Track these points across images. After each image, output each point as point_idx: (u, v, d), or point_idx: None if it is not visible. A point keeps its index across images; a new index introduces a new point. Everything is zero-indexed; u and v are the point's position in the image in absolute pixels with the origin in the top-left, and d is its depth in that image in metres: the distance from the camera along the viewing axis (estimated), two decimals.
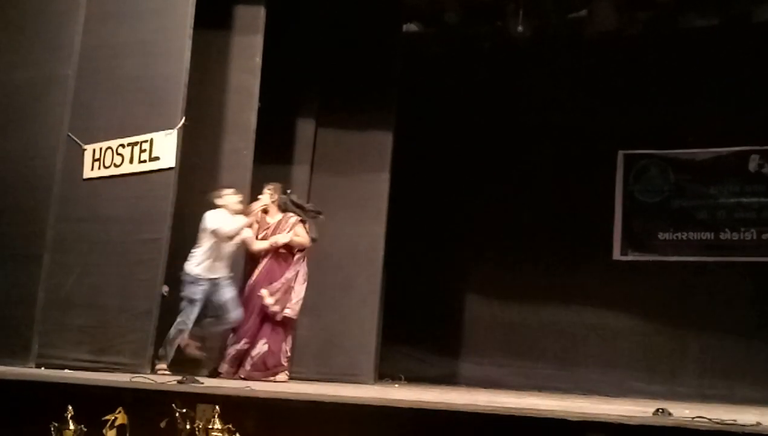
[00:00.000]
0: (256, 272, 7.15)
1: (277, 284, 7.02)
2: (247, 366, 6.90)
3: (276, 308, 6.98)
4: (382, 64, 8.60)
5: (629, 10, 8.93)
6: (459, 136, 9.79)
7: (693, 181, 9.35)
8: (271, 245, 7.06)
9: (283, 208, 7.25)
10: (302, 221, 7.21)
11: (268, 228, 7.20)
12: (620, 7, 8.82)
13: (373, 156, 8.52)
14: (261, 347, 6.94)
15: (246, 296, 7.08)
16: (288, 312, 7.04)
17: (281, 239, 7.08)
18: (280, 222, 7.21)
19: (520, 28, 8.90)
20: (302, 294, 7.12)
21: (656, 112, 9.24)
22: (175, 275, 6.70)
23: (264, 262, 7.14)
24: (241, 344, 6.95)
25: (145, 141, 6.68)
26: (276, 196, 7.24)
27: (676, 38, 9.18)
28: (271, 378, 6.84)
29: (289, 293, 7.06)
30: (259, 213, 7.24)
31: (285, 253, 7.15)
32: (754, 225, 9.06)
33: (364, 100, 8.52)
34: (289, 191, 7.42)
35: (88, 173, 6.97)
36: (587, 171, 9.45)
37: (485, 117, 9.81)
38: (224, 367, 6.94)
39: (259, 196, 7.24)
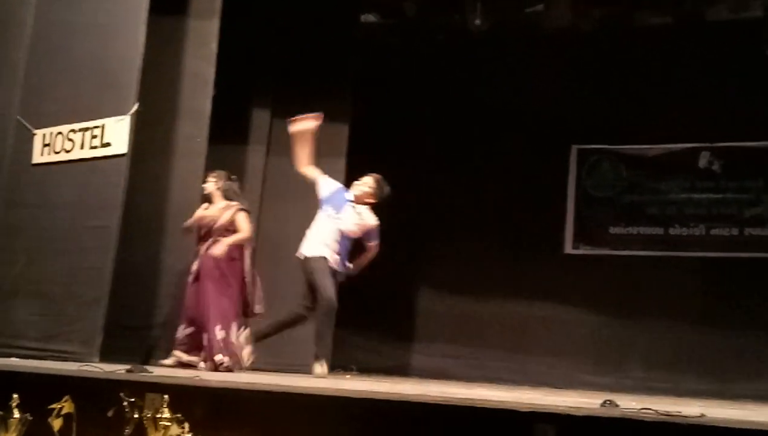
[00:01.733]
0: (197, 261, 7.00)
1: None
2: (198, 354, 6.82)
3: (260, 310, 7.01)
4: (339, 54, 8.59)
5: (585, 6, 9.01)
6: (414, 128, 9.81)
7: (644, 177, 9.49)
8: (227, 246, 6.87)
9: (227, 196, 7.03)
10: (244, 210, 7.00)
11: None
12: (576, 3, 8.89)
13: (329, 145, 8.46)
14: (205, 336, 6.82)
15: (191, 282, 6.95)
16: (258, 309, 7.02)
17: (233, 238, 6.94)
18: (222, 210, 7.02)
19: (477, 22, 8.95)
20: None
21: (610, 108, 9.34)
22: (124, 264, 6.61)
23: (205, 247, 6.98)
24: (189, 330, 6.84)
25: (97, 127, 6.59)
26: (221, 183, 7.01)
27: (630, 35, 9.28)
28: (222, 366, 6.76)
29: (256, 286, 7.04)
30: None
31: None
32: (703, 221, 9.21)
33: (320, 89, 8.47)
34: (233, 178, 7.20)
35: (37, 159, 6.87)
36: (541, 165, 9.53)
37: (440, 110, 9.84)
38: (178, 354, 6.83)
39: (204, 185, 7.07)
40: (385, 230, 9.66)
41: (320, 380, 6.23)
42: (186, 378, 4.60)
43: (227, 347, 6.77)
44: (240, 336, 6.82)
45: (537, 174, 9.49)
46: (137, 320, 7.06)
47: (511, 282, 9.38)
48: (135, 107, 6.44)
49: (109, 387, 4.11)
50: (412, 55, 9.93)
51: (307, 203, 8.31)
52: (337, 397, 4.02)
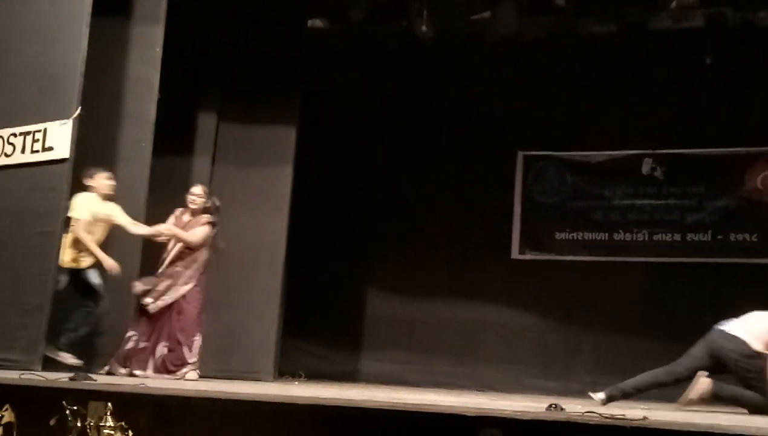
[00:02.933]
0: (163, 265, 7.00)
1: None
2: (150, 367, 6.75)
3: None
4: (286, 59, 8.55)
5: (530, 14, 9.10)
6: (362, 134, 9.82)
7: (589, 183, 9.59)
8: (155, 233, 6.95)
9: (202, 210, 7.10)
10: (211, 224, 7.08)
11: (184, 226, 7.06)
12: (522, 11, 8.97)
13: (276, 151, 8.46)
14: (162, 348, 6.81)
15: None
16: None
17: (169, 230, 6.97)
18: (191, 221, 7.08)
19: (424, 28, 8.97)
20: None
21: (555, 115, 9.42)
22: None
23: (169, 257, 7.00)
24: (140, 343, 6.80)
25: (39, 131, 6.48)
26: (207, 201, 7.14)
27: (575, 43, 9.39)
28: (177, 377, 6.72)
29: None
30: (178, 209, 7.12)
31: (188, 251, 7.02)
32: (645, 226, 9.35)
33: (268, 94, 8.46)
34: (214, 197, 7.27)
35: None
36: (488, 171, 9.59)
37: (388, 115, 9.87)
38: (116, 367, 6.72)
39: (194, 198, 7.08)
40: (333, 235, 9.72)
41: (269, 385, 6.22)
42: (130, 386, 4.54)
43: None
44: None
45: (484, 180, 9.55)
46: None
47: (459, 287, 9.43)
48: (78, 111, 6.34)
49: (52, 395, 4.04)
50: (360, 60, 9.94)
51: (253, 210, 8.30)
52: (284, 403, 4.00)
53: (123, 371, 6.66)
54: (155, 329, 6.85)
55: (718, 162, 9.22)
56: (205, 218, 7.09)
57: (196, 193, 7.11)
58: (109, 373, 6.59)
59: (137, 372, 6.66)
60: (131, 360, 6.75)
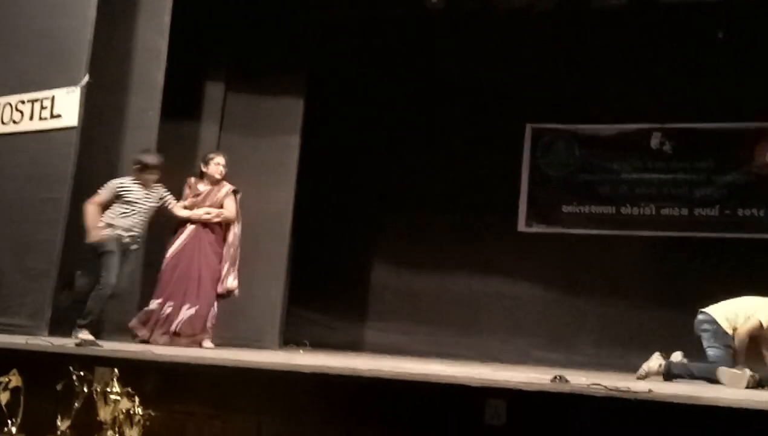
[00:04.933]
0: (183, 237, 6.99)
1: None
2: (172, 329, 6.76)
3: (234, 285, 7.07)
4: (294, 29, 8.52)
5: None
6: (369, 104, 9.78)
7: (597, 157, 9.55)
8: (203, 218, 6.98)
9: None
10: (235, 192, 7.11)
11: (198, 195, 7.06)
12: None
13: (283, 121, 8.45)
14: (186, 311, 6.82)
15: (172, 260, 6.92)
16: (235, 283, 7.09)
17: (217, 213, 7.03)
18: (211, 190, 7.08)
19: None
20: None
21: (564, 88, 9.37)
22: (74, 237, 6.51)
23: (190, 228, 7.00)
24: (164, 307, 6.80)
25: (47, 98, 6.50)
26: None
27: (586, 16, 9.29)
28: (195, 344, 6.75)
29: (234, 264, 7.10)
30: (191, 179, 7.13)
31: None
32: (653, 200, 9.32)
33: (275, 63, 8.44)
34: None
35: None
36: (495, 143, 9.55)
37: (395, 86, 9.81)
38: (141, 330, 6.74)
39: (221, 169, 7.11)
40: (340, 205, 9.73)
41: (274, 353, 6.25)
42: (136, 352, 4.56)
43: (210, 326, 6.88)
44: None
45: (491, 152, 9.51)
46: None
47: (464, 259, 9.43)
48: (86, 79, 6.34)
49: (58, 361, 4.07)
50: (368, 31, 9.87)
51: (260, 180, 8.30)
52: (289, 372, 4.02)
53: (142, 333, 6.68)
54: (179, 293, 6.86)
55: (727, 137, 9.17)
56: (228, 186, 7.11)
57: (222, 164, 7.12)
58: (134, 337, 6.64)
59: (153, 338, 6.67)
60: (150, 324, 6.76)
